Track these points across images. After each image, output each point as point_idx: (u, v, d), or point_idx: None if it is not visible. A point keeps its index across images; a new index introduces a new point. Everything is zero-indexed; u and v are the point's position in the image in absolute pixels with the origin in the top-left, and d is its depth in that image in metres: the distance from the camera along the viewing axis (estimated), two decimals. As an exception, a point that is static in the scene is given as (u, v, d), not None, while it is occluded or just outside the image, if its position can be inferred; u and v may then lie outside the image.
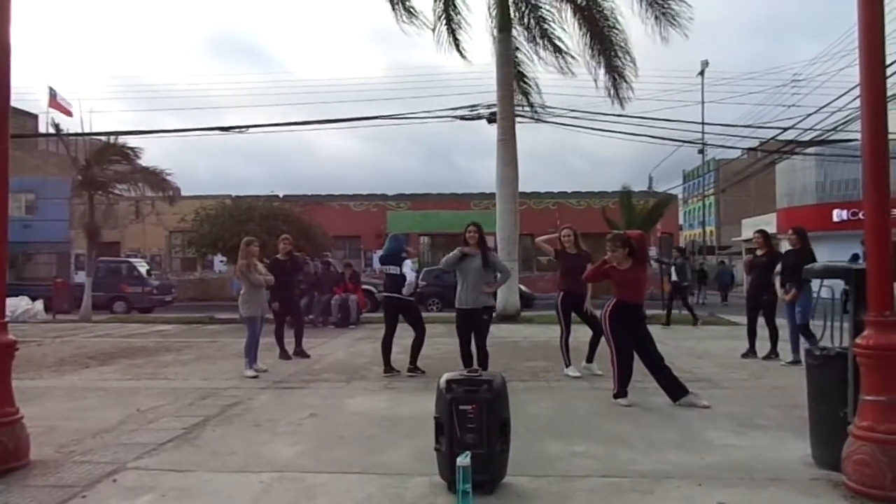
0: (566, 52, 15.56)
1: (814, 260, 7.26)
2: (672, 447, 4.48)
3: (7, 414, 4.03)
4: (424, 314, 8.38)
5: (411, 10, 15.25)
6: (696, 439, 4.70)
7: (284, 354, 9.01)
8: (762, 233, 9.15)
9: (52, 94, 21.46)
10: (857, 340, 3.62)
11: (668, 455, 4.30)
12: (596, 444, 4.57)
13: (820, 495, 3.55)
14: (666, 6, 14.04)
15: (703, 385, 6.79)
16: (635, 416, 5.42)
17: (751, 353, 8.73)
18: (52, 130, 19.11)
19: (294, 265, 9.59)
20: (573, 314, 7.51)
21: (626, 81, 15.22)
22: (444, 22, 15.60)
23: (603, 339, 6.48)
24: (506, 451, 3.67)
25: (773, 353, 8.55)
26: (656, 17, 14.18)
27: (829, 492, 3.58)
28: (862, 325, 3.68)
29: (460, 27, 15.61)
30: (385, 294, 7.91)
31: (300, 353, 9.15)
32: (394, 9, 15.28)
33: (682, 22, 14.02)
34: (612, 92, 15.36)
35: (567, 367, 7.40)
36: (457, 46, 15.78)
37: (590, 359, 7.50)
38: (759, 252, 8.92)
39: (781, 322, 8.60)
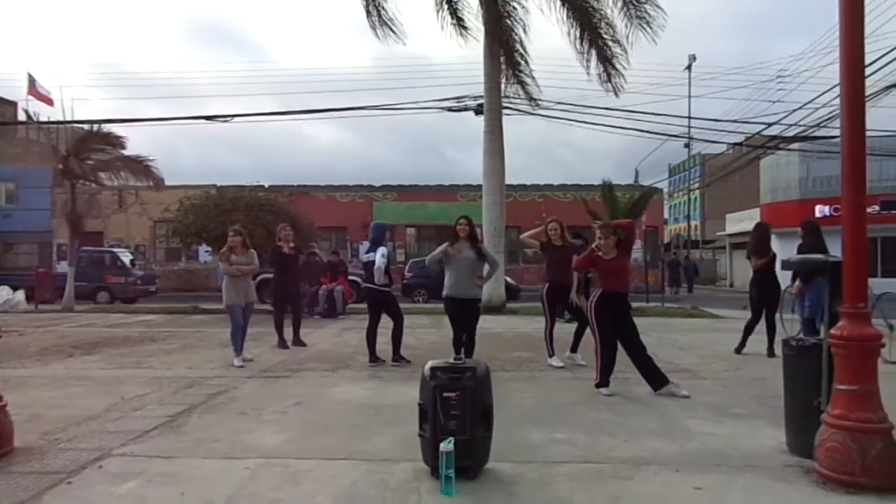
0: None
1: (825, 252, 7.11)
2: (651, 435, 4.57)
3: (-9, 401, 4.04)
4: (411, 305, 8.45)
5: (384, 17, 15.13)
6: (675, 428, 4.79)
7: (282, 343, 9.09)
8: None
9: (32, 82, 21.17)
10: (832, 331, 3.71)
11: (647, 442, 4.39)
12: (577, 431, 4.65)
13: (792, 481, 3.65)
14: (641, 10, 14.07)
15: (684, 376, 6.91)
16: (616, 406, 5.51)
17: (741, 347, 8.46)
18: (29, 118, 18.87)
19: (296, 252, 9.73)
20: (558, 305, 7.63)
21: (617, 70, 15.27)
22: (447, 6, 15.42)
23: (588, 329, 6.61)
24: (488, 438, 3.73)
25: (767, 348, 8.18)
26: (629, 19, 14.25)
27: (801, 477, 3.69)
28: (837, 316, 3.77)
29: (463, 11, 15.46)
30: (364, 284, 7.97)
31: (298, 342, 9.27)
32: (368, 15, 15.14)
33: (654, 28, 14.10)
34: (604, 81, 15.39)
35: (550, 357, 7.49)
36: (461, 28, 15.54)
37: (574, 348, 7.60)
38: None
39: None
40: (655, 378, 5.99)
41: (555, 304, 7.60)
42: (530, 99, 16.53)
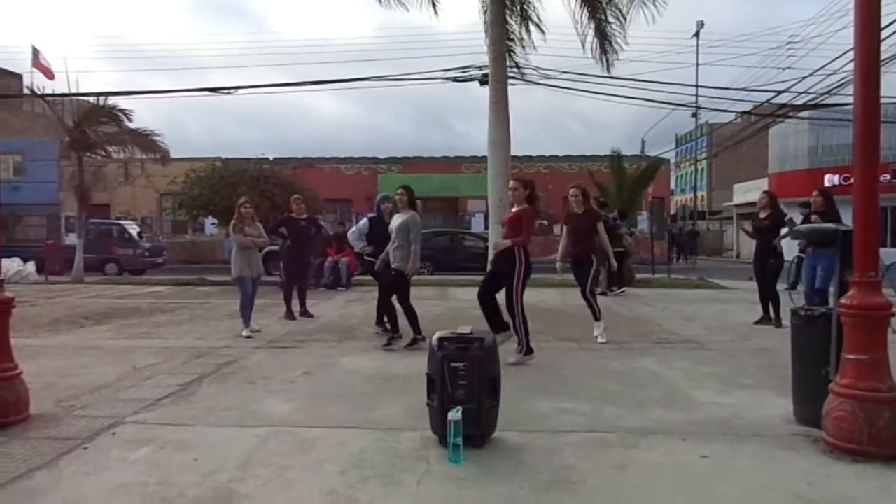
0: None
1: (839, 222, 6.97)
2: (657, 405, 4.60)
3: (6, 369, 4.09)
4: (416, 277, 8.49)
5: None
6: (681, 398, 4.82)
7: (290, 315, 9.14)
8: (768, 194, 8.68)
9: (36, 54, 21.02)
10: (842, 300, 3.70)
11: (653, 412, 4.42)
12: (583, 401, 4.68)
13: (799, 449, 3.68)
14: None
15: (690, 346, 6.93)
16: (622, 376, 5.54)
17: (766, 319, 8.33)
18: (35, 91, 18.76)
19: (310, 223, 9.79)
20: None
21: (613, 46, 15.00)
22: None
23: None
24: (496, 407, 3.76)
25: (773, 320, 8.14)
26: None
27: (807, 446, 3.71)
28: (847, 285, 3.75)
29: None
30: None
31: (305, 313, 9.34)
32: None
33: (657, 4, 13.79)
34: (601, 58, 15.16)
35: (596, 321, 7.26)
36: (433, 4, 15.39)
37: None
38: (761, 215, 8.45)
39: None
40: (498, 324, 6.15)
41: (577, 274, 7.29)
42: (531, 69, 16.31)
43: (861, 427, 3.46)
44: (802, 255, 8.06)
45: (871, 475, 3.28)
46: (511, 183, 6.49)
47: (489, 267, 6.92)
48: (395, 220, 7.01)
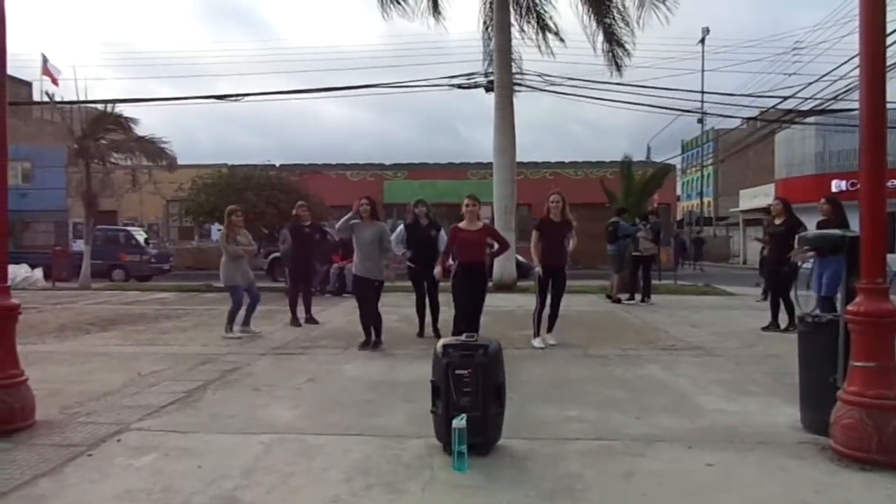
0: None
1: (847, 228, 6.92)
2: (663, 412, 4.57)
3: (12, 376, 4.10)
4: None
5: None
6: (688, 405, 4.79)
7: (295, 321, 9.15)
8: (781, 201, 8.67)
9: (45, 61, 21.17)
10: (849, 307, 3.67)
11: (659, 420, 4.39)
12: (589, 408, 4.66)
13: (806, 457, 3.64)
14: None
15: (697, 353, 6.89)
16: (628, 383, 5.51)
17: (774, 325, 8.34)
18: (45, 99, 18.91)
19: (314, 230, 9.90)
20: (550, 286, 7.31)
21: (624, 49, 15.07)
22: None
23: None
24: (500, 415, 3.74)
25: (789, 324, 8.01)
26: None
27: (815, 454, 3.68)
28: (854, 292, 3.73)
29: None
30: None
31: (310, 319, 9.34)
32: None
33: (668, 5, 13.88)
34: (610, 60, 15.23)
35: (535, 337, 7.33)
36: (436, 12, 15.52)
37: (549, 328, 7.40)
38: (776, 221, 8.45)
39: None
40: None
41: (547, 286, 7.25)
42: (537, 75, 16.45)
43: (870, 435, 3.43)
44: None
45: (880, 484, 3.25)
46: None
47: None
48: (366, 232, 7.09)
